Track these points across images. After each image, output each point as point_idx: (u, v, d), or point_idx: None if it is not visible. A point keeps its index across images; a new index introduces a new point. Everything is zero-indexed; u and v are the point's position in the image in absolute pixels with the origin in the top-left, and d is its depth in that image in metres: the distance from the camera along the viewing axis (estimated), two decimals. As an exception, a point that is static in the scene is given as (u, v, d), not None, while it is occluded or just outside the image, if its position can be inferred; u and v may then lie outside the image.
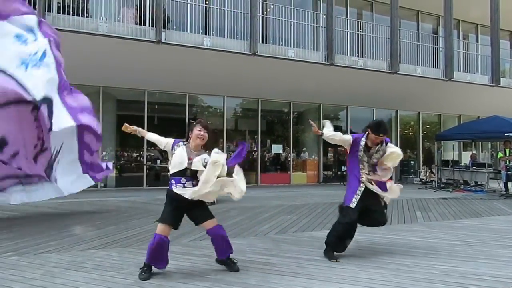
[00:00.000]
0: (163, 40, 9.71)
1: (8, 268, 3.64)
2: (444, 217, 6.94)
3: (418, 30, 14.80)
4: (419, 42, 13.97)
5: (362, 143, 4.15)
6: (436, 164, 13.87)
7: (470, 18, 15.79)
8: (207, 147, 3.57)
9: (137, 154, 12.31)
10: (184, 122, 12.27)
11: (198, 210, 3.53)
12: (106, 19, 9.49)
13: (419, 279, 3.46)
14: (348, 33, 12.74)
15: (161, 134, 3.80)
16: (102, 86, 11.32)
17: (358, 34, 13.06)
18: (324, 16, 12.21)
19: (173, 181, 3.49)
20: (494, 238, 5.20)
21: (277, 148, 14.03)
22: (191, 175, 3.47)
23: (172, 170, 3.48)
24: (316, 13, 12.66)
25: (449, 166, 12.69)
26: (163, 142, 3.65)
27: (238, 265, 3.62)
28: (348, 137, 4.25)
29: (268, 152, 14.09)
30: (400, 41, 13.03)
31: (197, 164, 3.43)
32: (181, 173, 3.46)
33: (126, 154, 12.41)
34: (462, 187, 12.23)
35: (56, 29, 8.75)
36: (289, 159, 14.02)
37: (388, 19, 13.01)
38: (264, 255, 3.79)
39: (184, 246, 4.57)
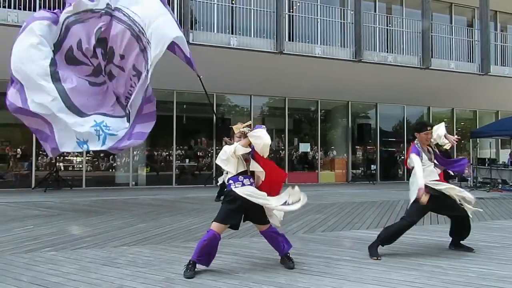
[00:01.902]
0: (190, 41, 9.83)
1: (47, 262, 3.81)
2: (480, 218, 6.63)
3: (451, 23, 14.21)
4: (452, 35, 13.44)
5: (420, 150, 4.14)
6: (471, 162, 13.30)
7: (509, 8, 14.99)
8: None
9: (167, 153, 12.56)
10: (212, 122, 12.41)
11: (256, 213, 3.59)
12: (136, 22, 9.72)
13: (455, 282, 3.33)
14: (377, 28, 12.45)
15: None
16: (132, 87, 11.63)
17: (387, 29, 12.72)
18: (352, 12, 11.98)
19: (231, 181, 3.58)
20: (536, 240, 4.93)
21: (304, 147, 13.92)
22: (246, 173, 3.60)
23: (232, 173, 3.60)
24: (344, 9, 12.43)
25: (486, 165, 12.14)
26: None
27: (293, 263, 3.67)
28: (418, 159, 4.07)
29: (296, 150, 14.01)
30: (432, 35, 12.58)
31: (254, 165, 3.59)
32: (239, 173, 3.58)
33: (156, 153, 12.70)
34: (500, 187, 11.67)
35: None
36: (316, 157, 13.88)
37: (419, 13, 12.60)
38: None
39: (213, 244, 4.63)
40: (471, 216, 4.26)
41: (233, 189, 3.53)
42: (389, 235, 4.13)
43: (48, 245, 4.50)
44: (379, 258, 3.98)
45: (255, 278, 3.39)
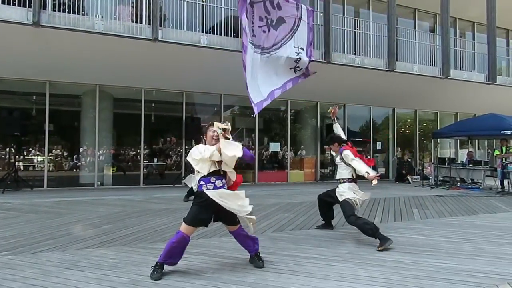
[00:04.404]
0: (159, 38, 9.66)
1: (5, 267, 3.62)
2: (440, 215, 6.97)
3: (415, 28, 14.81)
4: (416, 40, 13.99)
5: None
6: (433, 162, 13.92)
7: (467, 16, 15.82)
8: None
9: (134, 153, 12.27)
10: (181, 120, 12.25)
11: (228, 215, 3.55)
12: (102, 17, 9.43)
13: (416, 276, 3.48)
14: (345, 31, 12.74)
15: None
16: (98, 84, 11.27)
17: (355, 32, 13.05)
18: (322, 14, 12.19)
19: (202, 182, 3.49)
20: (490, 235, 5.23)
21: (274, 146, 14.03)
22: (220, 174, 3.53)
23: (203, 174, 3.50)
24: (314, 11, 12.62)
25: (446, 164, 12.73)
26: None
27: (262, 262, 3.71)
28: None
29: (266, 150, 14.09)
30: (397, 39, 13.04)
31: (225, 166, 3.50)
32: (211, 173, 3.50)
33: (123, 152, 12.38)
34: (458, 185, 12.28)
35: (52, 27, 8.75)
36: (286, 157, 14.03)
37: (385, 17, 13.01)
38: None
39: (182, 244, 4.57)
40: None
41: (205, 191, 3.47)
42: (372, 230, 4.52)
43: (6, 248, 4.27)
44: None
45: (224, 278, 3.38)
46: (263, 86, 8.62)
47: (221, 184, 3.52)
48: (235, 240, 3.78)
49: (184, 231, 3.44)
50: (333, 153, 5.20)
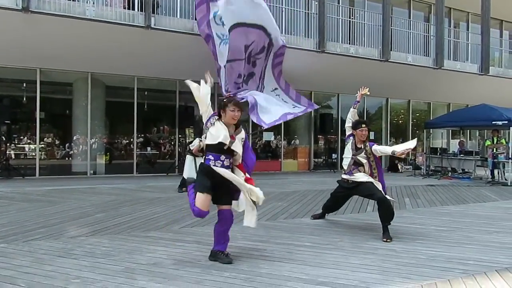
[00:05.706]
0: (152, 25, 9.52)
1: (-3, 255, 3.61)
2: (432, 204, 7.06)
3: (409, 17, 14.76)
4: (410, 30, 13.96)
5: (350, 141, 4.88)
6: (425, 152, 14.05)
7: (462, 6, 15.79)
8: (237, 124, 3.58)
9: (127, 141, 12.19)
10: (174, 109, 12.16)
11: (226, 190, 3.52)
12: (93, 3, 9.25)
13: (407, 263, 3.54)
14: (340, 20, 12.65)
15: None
16: (90, 72, 11.10)
17: (350, 21, 12.98)
18: (316, 3, 12.08)
19: (211, 157, 3.45)
20: (480, 224, 5.33)
21: (268, 136, 14.03)
22: (229, 153, 3.48)
23: (210, 141, 3.44)
24: (308, 0, 12.52)
25: (438, 154, 12.86)
26: (206, 105, 3.63)
27: (231, 257, 3.52)
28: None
29: (259, 139, 14.09)
30: (391, 28, 13.00)
31: (237, 145, 3.49)
32: (219, 150, 3.44)
33: (116, 141, 12.29)
34: (449, 174, 12.43)
35: (42, 13, 8.57)
36: (280, 146, 14.05)
37: (380, 6, 12.94)
38: (255, 241, 3.83)
39: (175, 232, 4.59)
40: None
41: (212, 166, 3.43)
42: (392, 216, 4.47)
43: (-3, 237, 4.25)
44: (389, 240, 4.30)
45: (217, 266, 3.41)
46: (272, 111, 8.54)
47: (228, 164, 3.50)
48: (216, 224, 3.61)
49: (200, 207, 3.34)
50: (350, 139, 4.87)
